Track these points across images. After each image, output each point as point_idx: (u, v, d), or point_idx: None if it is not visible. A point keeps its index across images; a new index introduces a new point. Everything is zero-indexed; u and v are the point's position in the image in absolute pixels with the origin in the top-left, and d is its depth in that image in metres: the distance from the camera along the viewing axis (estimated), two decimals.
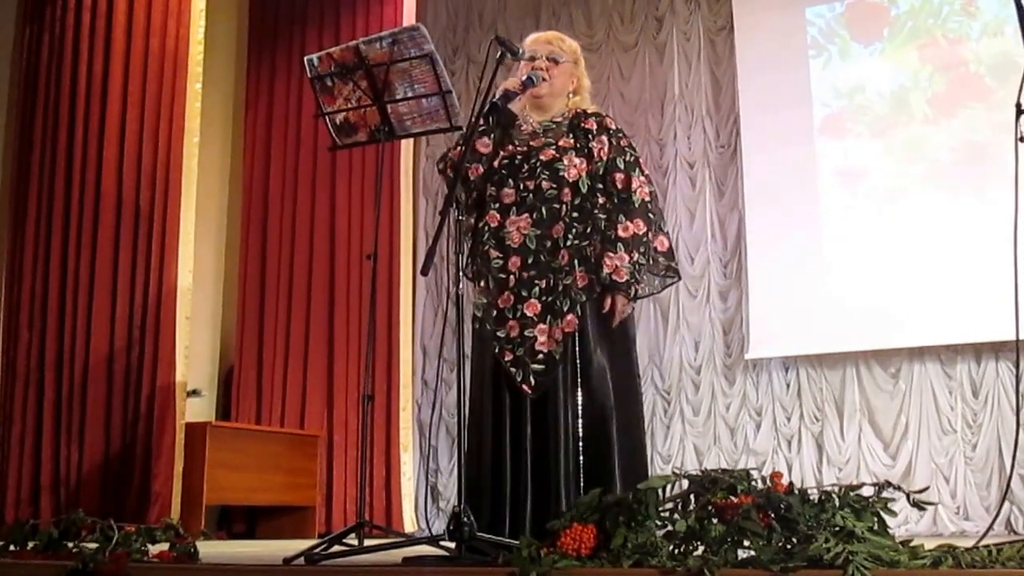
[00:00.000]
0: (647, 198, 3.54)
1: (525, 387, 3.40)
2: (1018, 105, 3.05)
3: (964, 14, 7.48)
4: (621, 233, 3.46)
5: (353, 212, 8.06)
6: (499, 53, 3.44)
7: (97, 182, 7.01)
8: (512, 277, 3.50)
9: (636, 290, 3.49)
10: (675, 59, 8.37)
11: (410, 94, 3.66)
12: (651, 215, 3.54)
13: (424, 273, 3.24)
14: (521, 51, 3.55)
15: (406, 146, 7.96)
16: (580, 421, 3.37)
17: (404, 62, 3.61)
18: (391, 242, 7.81)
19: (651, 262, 3.56)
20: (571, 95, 3.72)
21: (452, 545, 2.94)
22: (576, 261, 3.47)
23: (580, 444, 3.35)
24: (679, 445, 7.87)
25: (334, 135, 3.83)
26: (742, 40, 8.07)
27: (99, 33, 7.21)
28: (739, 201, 7.94)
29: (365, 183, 8.06)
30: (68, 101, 7.18)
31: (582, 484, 3.31)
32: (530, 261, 3.49)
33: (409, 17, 7.94)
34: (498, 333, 3.47)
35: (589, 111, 3.68)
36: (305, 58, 3.82)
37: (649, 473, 3.53)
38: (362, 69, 3.66)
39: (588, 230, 3.50)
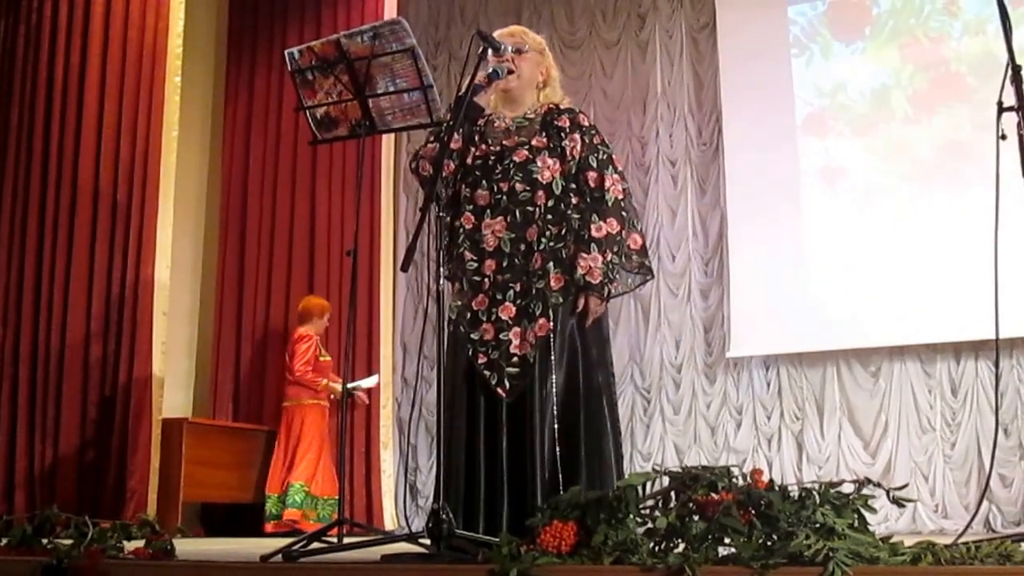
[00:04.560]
0: (620, 196, 3.52)
1: (500, 390, 3.39)
2: (999, 103, 3.06)
3: (946, 13, 7.51)
4: (595, 233, 3.44)
5: (333, 208, 8.02)
6: (481, 48, 3.41)
7: (74, 175, 6.95)
8: (487, 280, 3.48)
9: (609, 290, 3.48)
10: (658, 57, 8.37)
11: (391, 88, 3.63)
12: (624, 213, 3.52)
13: (404, 269, 3.20)
14: (503, 47, 3.52)
15: (387, 141, 7.92)
16: (555, 423, 3.35)
17: (386, 56, 3.57)
18: (371, 239, 7.77)
19: (624, 260, 3.55)
20: (541, 86, 3.69)
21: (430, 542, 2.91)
22: (551, 264, 3.45)
23: (556, 446, 3.33)
24: (659, 444, 7.88)
25: (314, 129, 3.80)
26: (724, 38, 8.08)
27: (77, 25, 7.15)
28: (721, 199, 7.94)
29: (345, 178, 8.03)
30: (45, 93, 7.12)
31: (561, 484, 3.29)
32: (505, 264, 3.47)
33: (391, 12, 7.90)
34: (472, 335, 3.46)
35: (562, 106, 3.65)
36: (286, 51, 3.78)
37: (625, 472, 3.52)
38: (343, 63, 3.63)
39: (563, 232, 3.48)
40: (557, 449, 3.32)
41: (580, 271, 3.41)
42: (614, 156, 3.62)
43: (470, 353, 3.44)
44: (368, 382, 7.46)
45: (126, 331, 6.80)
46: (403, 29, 3.53)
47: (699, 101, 8.22)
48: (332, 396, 7.20)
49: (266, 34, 8.40)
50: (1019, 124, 2.95)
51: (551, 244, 3.46)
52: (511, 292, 3.45)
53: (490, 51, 3.43)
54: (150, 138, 7.02)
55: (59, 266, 6.88)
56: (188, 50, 7.41)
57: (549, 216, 3.48)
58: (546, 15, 8.73)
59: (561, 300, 3.43)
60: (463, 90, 3.34)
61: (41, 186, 7.00)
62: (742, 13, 8.08)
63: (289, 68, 3.75)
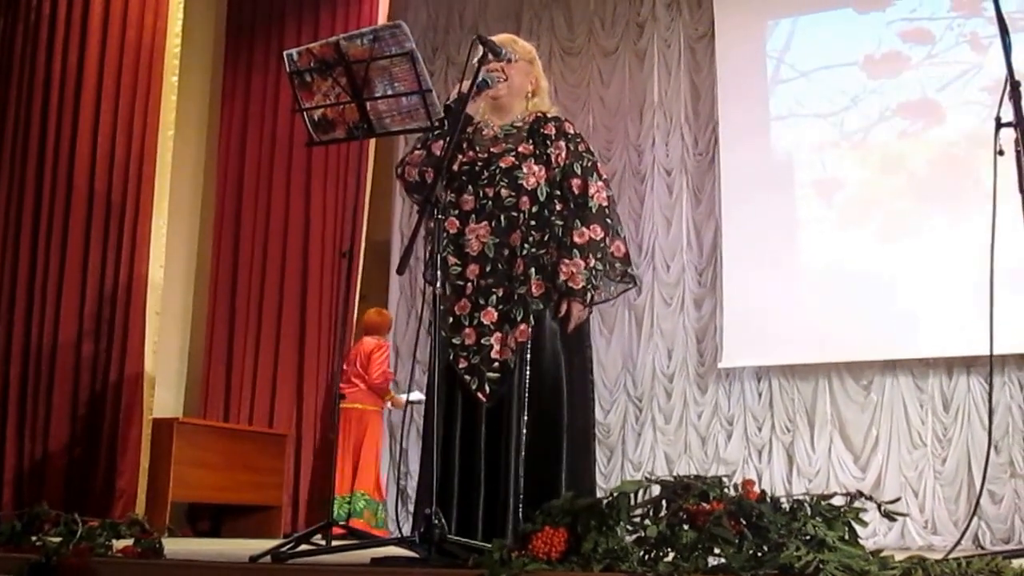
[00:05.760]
0: (604, 203, 3.52)
1: (480, 395, 3.39)
2: (997, 119, 3.06)
3: (946, 29, 7.52)
4: (577, 239, 3.44)
5: (326, 210, 8.01)
6: (481, 53, 3.41)
7: (69, 174, 6.94)
8: (470, 284, 3.48)
9: (592, 296, 3.47)
10: (655, 65, 8.38)
11: (389, 92, 3.61)
12: (608, 220, 3.51)
13: (400, 272, 3.21)
14: (504, 52, 3.52)
15: (372, 145, 7.89)
16: (531, 429, 3.35)
17: (384, 59, 3.56)
18: (354, 241, 7.77)
19: (608, 267, 3.54)
20: (530, 96, 3.70)
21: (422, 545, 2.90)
22: (533, 269, 3.45)
23: (530, 453, 3.33)
24: (650, 452, 7.87)
25: (311, 131, 3.79)
26: (722, 48, 8.09)
27: (75, 23, 7.14)
28: (716, 209, 7.95)
29: (338, 181, 8.02)
30: (42, 91, 7.10)
31: (526, 492, 3.28)
32: (488, 269, 3.47)
33: (385, 16, 7.89)
34: (453, 339, 3.46)
35: (549, 115, 3.67)
36: (284, 53, 3.77)
37: (596, 483, 3.53)
38: (342, 65, 3.61)
39: (545, 238, 3.48)
40: (530, 460, 3.32)
41: (562, 276, 3.41)
42: (599, 164, 3.63)
43: (450, 357, 3.45)
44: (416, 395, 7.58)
45: (118, 330, 6.79)
46: (403, 33, 3.52)
47: (696, 111, 8.23)
48: (390, 406, 7.54)
49: (263, 35, 8.40)
50: (1017, 140, 2.95)
51: (533, 250, 3.46)
52: (493, 297, 3.45)
53: (490, 56, 3.44)
54: (146, 137, 7.00)
55: (52, 264, 6.86)
56: (186, 50, 7.40)
57: (533, 222, 3.48)
58: (546, 21, 8.74)
59: (542, 306, 3.43)
60: (452, 99, 3.34)
61: (36, 184, 6.98)
62: (740, 23, 8.09)
63: (287, 69, 3.74)
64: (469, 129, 3.61)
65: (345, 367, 7.37)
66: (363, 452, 7.21)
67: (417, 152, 3.66)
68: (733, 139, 7.91)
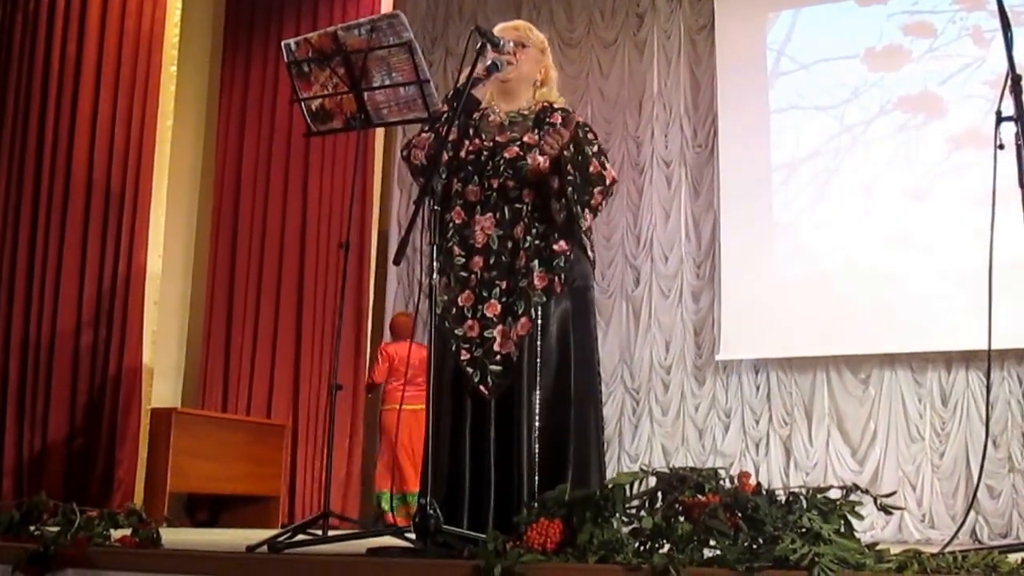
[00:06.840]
0: (615, 179, 3.52)
1: (483, 388, 3.37)
2: (998, 113, 3.05)
3: (948, 23, 7.50)
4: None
5: (324, 200, 8.01)
6: (479, 44, 3.40)
7: (68, 164, 6.93)
8: (474, 277, 3.45)
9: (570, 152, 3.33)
10: (655, 57, 8.36)
11: (387, 82, 3.62)
12: (610, 190, 3.49)
13: (396, 263, 3.19)
14: (501, 42, 3.51)
15: (379, 135, 7.91)
16: (538, 422, 3.34)
17: (382, 50, 3.57)
18: (362, 232, 7.77)
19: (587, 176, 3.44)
20: (538, 84, 3.69)
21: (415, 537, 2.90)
22: (536, 262, 3.43)
23: (537, 445, 3.32)
24: (647, 444, 7.87)
25: (309, 121, 3.79)
26: (722, 40, 8.07)
27: (74, 13, 7.12)
28: (714, 202, 7.94)
29: (336, 171, 8.02)
30: (41, 80, 7.09)
31: (536, 484, 3.27)
32: (492, 262, 3.45)
33: (387, 5, 7.89)
34: (456, 331, 3.44)
35: (556, 105, 3.65)
36: (283, 43, 3.78)
37: (604, 475, 3.51)
38: (340, 56, 3.62)
39: (547, 230, 3.47)
40: (536, 449, 3.31)
41: None
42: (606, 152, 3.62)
43: (454, 349, 3.43)
44: None
45: (117, 320, 6.79)
46: (401, 23, 3.52)
47: (695, 103, 8.22)
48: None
49: (263, 25, 8.39)
50: (1017, 134, 2.94)
51: (536, 242, 3.44)
52: (497, 290, 3.43)
53: (488, 46, 3.43)
54: (144, 127, 7.00)
55: (51, 254, 6.86)
56: (184, 40, 7.40)
57: (536, 214, 3.47)
58: (545, 12, 8.72)
59: (544, 299, 3.42)
60: (461, 82, 3.33)
61: (35, 174, 6.97)
62: (741, 15, 8.07)
63: (285, 59, 3.74)
64: (476, 115, 3.59)
65: (401, 368, 7.36)
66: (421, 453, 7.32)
67: (424, 135, 3.64)
68: (732, 131, 7.90)
